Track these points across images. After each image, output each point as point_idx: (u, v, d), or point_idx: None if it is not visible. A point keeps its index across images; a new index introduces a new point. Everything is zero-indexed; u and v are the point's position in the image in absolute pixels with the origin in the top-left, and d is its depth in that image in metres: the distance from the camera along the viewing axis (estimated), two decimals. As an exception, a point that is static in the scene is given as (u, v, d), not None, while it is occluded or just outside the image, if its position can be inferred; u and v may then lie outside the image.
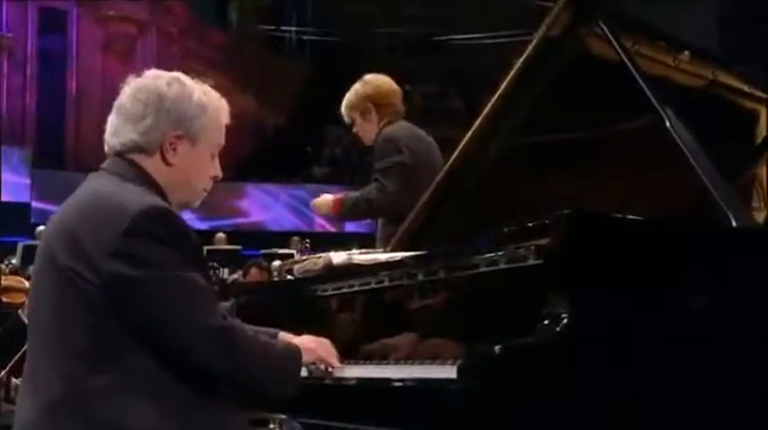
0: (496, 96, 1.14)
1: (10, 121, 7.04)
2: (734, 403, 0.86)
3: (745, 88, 1.25)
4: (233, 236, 5.89)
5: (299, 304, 1.16)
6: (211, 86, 0.91)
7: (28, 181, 7.00)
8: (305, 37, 9.11)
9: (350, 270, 1.09)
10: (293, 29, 9.12)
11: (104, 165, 0.89)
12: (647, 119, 1.03)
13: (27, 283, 2.54)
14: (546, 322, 0.78)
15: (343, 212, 1.61)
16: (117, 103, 0.89)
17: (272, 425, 1.67)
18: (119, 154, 0.88)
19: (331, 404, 0.95)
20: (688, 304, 0.85)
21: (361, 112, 1.64)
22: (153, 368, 0.80)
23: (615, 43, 1.05)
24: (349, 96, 1.65)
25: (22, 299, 2.42)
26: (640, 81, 1.02)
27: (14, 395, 1.93)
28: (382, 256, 1.11)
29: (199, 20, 8.44)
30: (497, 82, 1.14)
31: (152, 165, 0.88)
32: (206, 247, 4.41)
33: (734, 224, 0.93)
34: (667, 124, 1.00)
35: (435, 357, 0.89)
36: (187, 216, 0.91)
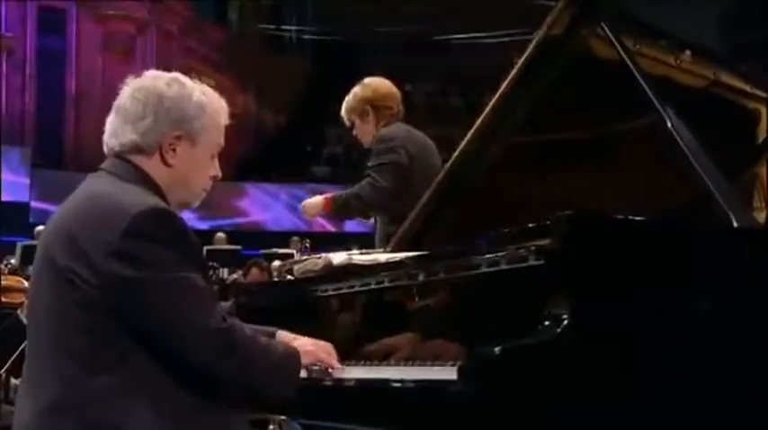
0: (497, 96, 1.14)
1: (9, 121, 7.03)
2: (735, 403, 0.85)
3: (747, 88, 1.25)
4: (233, 235, 5.90)
5: (300, 304, 1.15)
6: (212, 86, 0.91)
7: (27, 181, 7.00)
8: (305, 36, 9.11)
9: (350, 270, 1.09)
10: (293, 28, 9.12)
11: (103, 165, 0.89)
12: (649, 119, 1.02)
13: (26, 283, 2.54)
14: (546, 323, 0.78)
15: (335, 209, 1.60)
16: (116, 103, 0.89)
17: (271, 426, 1.67)
18: (118, 154, 0.88)
19: (331, 405, 0.95)
20: (689, 304, 0.85)
21: (360, 115, 1.66)
22: (152, 369, 0.80)
23: (616, 43, 1.05)
24: (348, 99, 1.67)
25: (20, 299, 2.42)
26: (641, 81, 1.02)
27: (13, 396, 1.93)
28: (382, 257, 1.10)
29: (199, 19, 8.43)
30: (498, 81, 1.14)
31: (151, 165, 0.87)
32: (206, 247, 4.42)
33: (735, 224, 0.93)
34: (668, 124, 1.00)
35: (435, 358, 0.89)
36: (187, 216, 0.90)
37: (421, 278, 0.96)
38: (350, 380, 0.92)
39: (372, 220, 1.70)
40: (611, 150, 1.16)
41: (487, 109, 1.15)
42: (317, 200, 1.65)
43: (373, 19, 8.23)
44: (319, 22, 8.95)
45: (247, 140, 8.01)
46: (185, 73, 0.91)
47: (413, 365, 0.90)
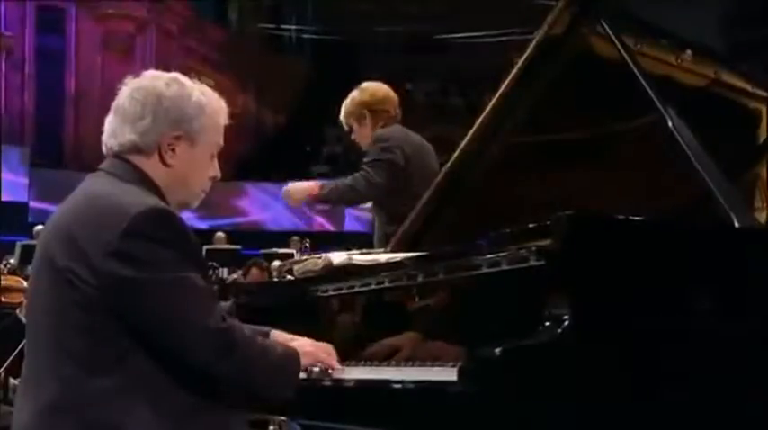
0: (498, 95, 1.13)
1: (8, 120, 7.02)
2: (735, 404, 0.85)
3: (748, 87, 1.25)
4: (232, 235, 5.89)
5: (299, 305, 1.15)
6: (211, 86, 0.91)
7: (26, 180, 6.99)
8: (305, 35, 9.10)
9: (350, 271, 1.08)
10: (293, 27, 9.11)
11: (102, 165, 0.89)
12: (649, 118, 1.02)
13: (25, 283, 2.54)
14: (547, 324, 0.78)
15: (323, 194, 1.59)
16: (115, 103, 0.88)
17: (271, 427, 1.67)
18: (117, 155, 0.88)
19: (330, 406, 0.95)
20: (690, 305, 0.85)
21: (357, 118, 1.67)
22: (151, 369, 0.80)
23: (617, 42, 1.05)
24: (346, 103, 1.69)
25: (20, 299, 2.41)
26: (642, 80, 1.02)
27: (12, 396, 1.92)
28: (382, 257, 1.11)
29: (198, 18, 8.42)
30: (498, 81, 1.14)
31: (150, 165, 0.87)
32: (205, 247, 4.41)
33: (736, 225, 0.93)
34: (669, 124, 0.99)
35: (435, 359, 0.88)
36: (186, 215, 0.90)
37: (421, 278, 0.96)
38: (350, 380, 0.91)
39: (371, 216, 1.71)
40: (612, 150, 1.16)
41: (488, 109, 1.15)
42: (303, 184, 1.64)
43: (373, 18, 8.22)
44: (319, 22, 8.95)
45: (247, 140, 8.00)
46: (185, 72, 0.91)
47: (413, 366, 0.89)
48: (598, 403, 0.78)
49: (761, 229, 1.05)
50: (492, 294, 0.88)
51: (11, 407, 1.57)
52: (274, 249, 4.79)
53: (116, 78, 0.92)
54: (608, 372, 0.79)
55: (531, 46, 1.10)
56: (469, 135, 1.16)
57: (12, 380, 2.00)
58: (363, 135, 1.67)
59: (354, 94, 1.69)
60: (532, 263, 0.82)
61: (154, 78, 0.88)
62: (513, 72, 1.12)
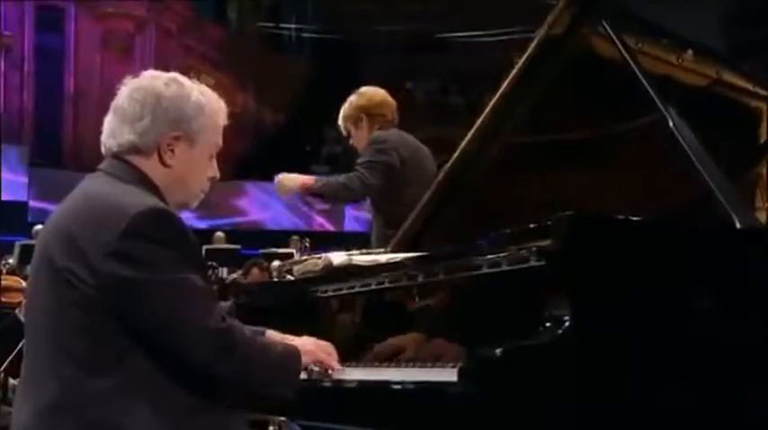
0: (498, 95, 1.13)
1: (7, 119, 7.00)
2: (736, 404, 0.85)
3: (749, 87, 1.24)
4: (232, 235, 5.89)
5: (299, 305, 1.15)
6: (211, 85, 0.91)
7: (25, 179, 6.97)
8: (304, 35, 9.08)
9: (350, 271, 1.08)
10: (293, 26, 9.09)
11: (101, 166, 0.88)
12: (650, 118, 1.02)
13: (24, 283, 2.53)
14: (547, 324, 0.77)
15: (315, 188, 1.59)
16: (114, 103, 0.88)
17: (271, 428, 1.67)
18: (116, 155, 0.87)
19: (330, 406, 0.95)
20: (690, 305, 0.84)
21: (354, 122, 1.69)
22: (151, 370, 0.80)
23: (618, 41, 1.04)
24: (344, 108, 1.71)
25: (19, 298, 2.41)
26: (643, 80, 1.01)
27: (11, 396, 1.92)
28: (382, 257, 1.10)
29: (198, 17, 8.40)
30: (499, 80, 1.14)
31: (149, 166, 0.87)
32: (205, 246, 4.42)
33: (738, 225, 0.92)
34: (670, 123, 0.99)
35: (436, 359, 0.88)
36: (185, 215, 0.90)
37: (421, 279, 0.96)
38: (350, 381, 0.91)
39: (371, 216, 1.72)
40: (613, 150, 1.16)
41: (488, 108, 1.15)
42: (295, 176, 1.64)
43: (373, 17, 8.21)
44: (319, 21, 8.93)
45: (246, 139, 7.98)
46: (184, 71, 0.91)
47: (413, 366, 0.89)
48: (598, 403, 0.78)
49: (761, 229, 1.05)
50: (492, 295, 0.88)
51: (10, 407, 1.57)
52: (274, 249, 4.78)
53: (115, 77, 0.92)
54: (608, 373, 0.79)
55: (532, 46, 1.10)
56: (470, 135, 1.16)
57: (11, 381, 2.00)
58: (360, 138, 1.69)
59: (352, 98, 1.71)
60: (533, 263, 0.82)
61: (153, 78, 0.88)
62: (514, 72, 1.12)
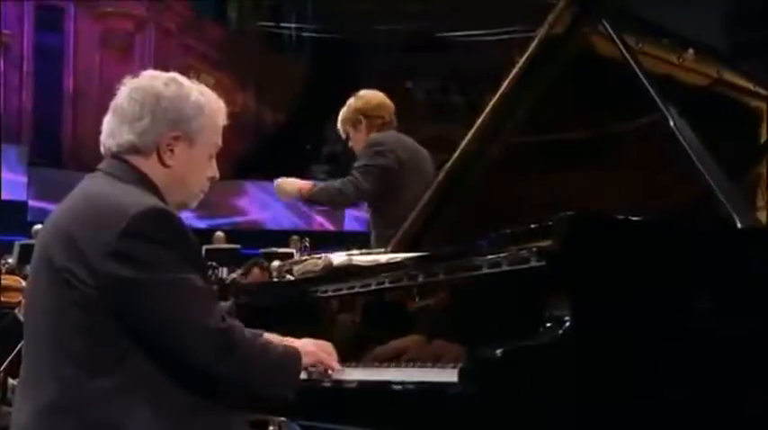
0: (498, 95, 1.13)
1: (6, 119, 6.99)
2: (737, 404, 0.85)
3: (750, 86, 1.24)
4: (232, 234, 5.88)
5: (299, 305, 1.15)
6: (211, 84, 0.90)
7: (24, 179, 6.96)
8: (305, 34, 9.07)
9: (350, 271, 1.08)
10: (293, 26, 9.08)
11: (100, 166, 0.88)
12: (651, 118, 1.02)
13: (24, 283, 2.53)
14: (548, 325, 0.77)
15: (312, 194, 1.64)
16: (113, 103, 0.88)
17: (271, 428, 1.67)
18: (115, 155, 0.87)
19: (330, 407, 0.95)
20: (691, 305, 0.84)
21: (353, 124, 1.71)
22: (151, 369, 0.79)
23: (618, 41, 1.04)
24: (342, 111, 1.73)
25: (18, 298, 2.41)
26: (644, 80, 1.01)
27: (11, 396, 1.92)
28: (383, 258, 1.10)
29: (197, 17, 8.39)
30: (499, 80, 1.13)
31: (149, 166, 0.87)
32: (204, 246, 4.41)
33: (739, 225, 0.92)
34: (671, 123, 0.99)
35: (436, 360, 0.88)
36: (185, 214, 0.90)
37: (421, 279, 0.96)
38: (350, 381, 0.91)
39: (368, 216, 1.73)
40: (613, 150, 1.16)
41: (488, 108, 1.14)
42: (294, 181, 1.68)
43: (373, 17, 8.20)
44: (319, 20, 8.92)
45: (246, 139, 7.98)
46: (184, 71, 0.91)
47: (413, 367, 0.89)
48: (599, 404, 0.78)
49: (762, 229, 1.05)
50: (492, 295, 0.88)
51: (10, 407, 1.57)
52: (274, 248, 4.78)
53: (115, 77, 0.92)
54: (609, 373, 0.79)
55: (532, 45, 1.10)
56: (470, 134, 1.16)
57: (11, 381, 2.00)
58: (359, 141, 1.70)
59: (350, 101, 1.73)
60: (533, 263, 0.82)
61: (152, 78, 0.88)
62: (514, 71, 1.11)
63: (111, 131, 0.87)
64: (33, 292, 0.86)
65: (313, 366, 0.91)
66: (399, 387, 0.85)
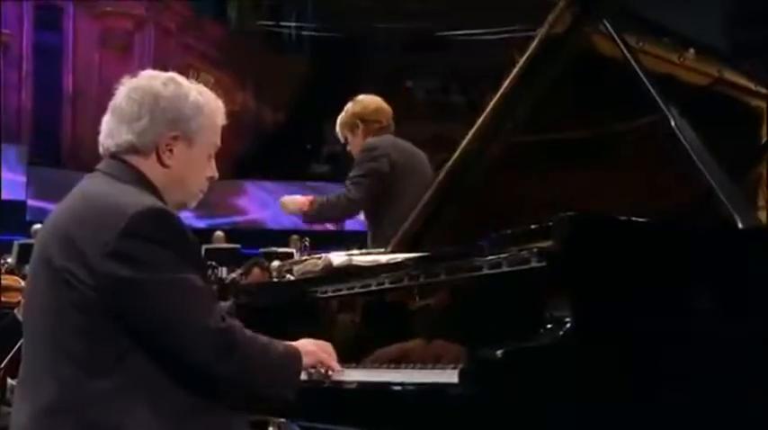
0: (499, 94, 1.13)
1: (6, 119, 6.98)
2: (739, 405, 0.85)
3: (752, 86, 1.24)
4: (231, 234, 5.88)
5: (299, 306, 1.15)
6: (210, 83, 0.90)
7: (24, 179, 6.95)
8: (304, 33, 9.07)
9: (350, 271, 1.08)
10: (293, 24, 9.07)
11: (99, 166, 0.88)
12: (652, 117, 1.01)
13: (23, 283, 2.53)
14: (549, 326, 0.77)
15: (310, 214, 1.71)
16: (112, 103, 0.88)
17: (271, 428, 1.67)
18: (114, 155, 0.87)
19: (330, 407, 0.94)
20: (692, 306, 0.84)
21: (350, 129, 1.75)
22: (151, 370, 0.79)
23: (619, 40, 1.04)
24: (341, 115, 1.78)
25: (18, 298, 2.41)
26: (644, 79, 1.01)
27: (10, 396, 1.92)
28: (383, 258, 1.10)
29: (197, 16, 8.38)
30: (499, 79, 1.13)
31: (148, 166, 0.86)
32: (204, 246, 4.39)
33: (740, 225, 0.92)
34: (672, 123, 0.98)
35: (436, 361, 0.88)
36: (185, 214, 0.90)
37: (422, 279, 0.96)
38: (350, 382, 0.91)
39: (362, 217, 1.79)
40: (614, 150, 1.15)
41: (488, 108, 1.14)
42: (297, 198, 1.75)
43: (373, 16, 8.19)
44: (319, 19, 8.91)
45: (246, 138, 7.97)
46: (184, 70, 0.91)
47: (414, 368, 0.89)
48: (600, 405, 0.78)
49: (763, 229, 1.04)
50: (493, 296, 0.87)
51: (9, 407, 1.56)
52: (274, 248, 4.78)
53: (114, 76, 0.92)
54: (610, 374, 0.79)
55: (533, 45, 1.09)
56: (470, 134, 1.16)
57: (9, 381, 2.00)
58: (357, 145, 1.75)
59: (348, 106, 1.76)
60: (534, 264, 0.82)
61: (151, 78, 0.87)
62: (515, 71, 1.11)
63: (110, 131, 0.87)
64: (32, 292, 0.86)
65: (313, 367, 0.91)
66: (399, 388, 0.85)
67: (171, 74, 0.88)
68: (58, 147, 7.54)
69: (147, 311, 0.79)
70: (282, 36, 9.15)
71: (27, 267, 1.07)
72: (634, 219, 0.85)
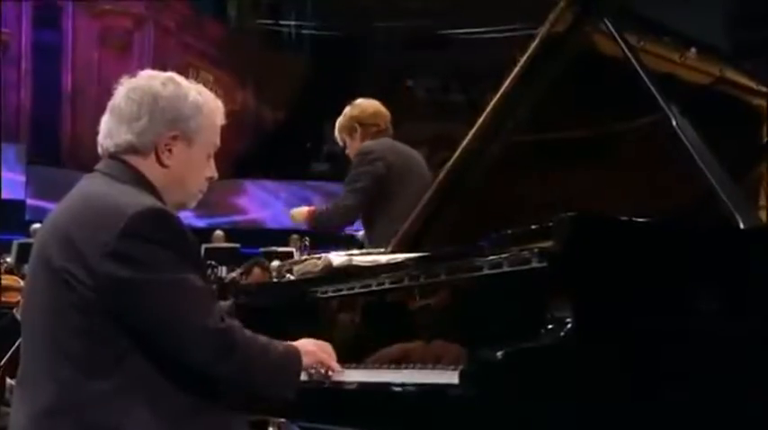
0: (499, 94, 1.13)
1: (5, 118, 6.96)
2: (740, 406, 0.85)
3: (753, 85, 1.24)
4: (231, 233, 5.87)
5: (299, 306, 1.14)
6: (211, 83, 0.89)
7: (23, 178, 6.94)
8: (304, 32, 9.05)
9: (350, 272, 1.08)
10: (292, 23, 9.06)
11: (98, 166, 0.88)
12: (653, 117, 1.01)
13: (22, 283, 2.52)
14: (550, 326, 0.77)
15: (313, 224, 1.78)
16: (111, 103, 0.87)
17: (270, 428, 1.67)
18: (113, 155, 0.87)
19: (330, 408, 0.94)
20: (694, 307, 0.84)
21: (348, 132, 1.79)
22: (150, 370, 0.79)
23: (620, 40, 1.03)
24: (339, 119, 1.86)
25: (17, 298, 2.41)
26: (645, 78, 1.01)
27: (9, 396, 1.92)
28: (383, 258, 1.10)
29: (197, 14, 8.36)
30: (500, 78, 1.13)
31: (147, 166, 0.86)
32: (204, 245, 4.40)
33: (741, 225, 0.92)
34: (673, 122, 0.98)
35: (437, 361, 0.88)
36: (184, 214, 0.89)
37: (422, 280, 0.96)
38: (350, 383, 0.91)
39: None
40: (615, 149, 1.15)
41: (489, 107, 1.14)
42: (303, 209, 1.82)
43: (373, 14, 8.18)
44: (319, 18, 8.89)
45: (246, 137, 7.96)
46: (183, 69, 0.90)
47: (414, 369, 0.89)
48: (601, 406, 0.78)
49: (763, 229, 1.04)
50: (493, 296, 0.87)
51: (8, 407, 1.56)
52: (274, 248, 4.78)
53: (113, 75, 0.91)
54: (611, 375, 0.78)
55: (534, 44, 1.09)
56: (471, 134, 1.16)
57: (9, 381, 1.99)
58: (354, 148, 1.82)
59: (346, 110, 1.79)
60: (534, 264, 0.82)
61: (150, 78, 0.87)
62: (515, 70, 1.11)
63: (109, 131, 0.87)
64: (31, 292, 0.85)
65: (313, 367, 0.91)
66: (399, 388, 0.85)
67: (170, 74, 0.88)
68: (57, 146, 7.52)
69: (146, 311, 0.79)
70: (282, 35, 9.13)
71: (26, 267, 1.07)
72: (635, 219, 0.85)
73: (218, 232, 5.65)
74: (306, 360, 0.88)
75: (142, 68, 0.90)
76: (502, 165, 1.17)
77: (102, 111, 0.88)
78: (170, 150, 0.86)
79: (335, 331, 1.06)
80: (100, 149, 0.88)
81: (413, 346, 0.94)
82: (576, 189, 1.12)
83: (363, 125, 1.75)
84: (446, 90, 8.84)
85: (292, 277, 1.24)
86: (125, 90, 0.87)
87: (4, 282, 2.85)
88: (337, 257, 1.11)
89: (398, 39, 8.37)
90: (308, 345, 0.90)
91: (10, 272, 3.59)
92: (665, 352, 0.81)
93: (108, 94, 0.87)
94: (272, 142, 8.43)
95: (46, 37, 7.48)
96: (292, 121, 8.72)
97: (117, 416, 0.77)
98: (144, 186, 0.85)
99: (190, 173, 0.88)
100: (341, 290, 1.07)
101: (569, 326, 0.76)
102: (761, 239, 0.94)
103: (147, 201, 0.82)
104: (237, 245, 5.15)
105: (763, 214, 1.24)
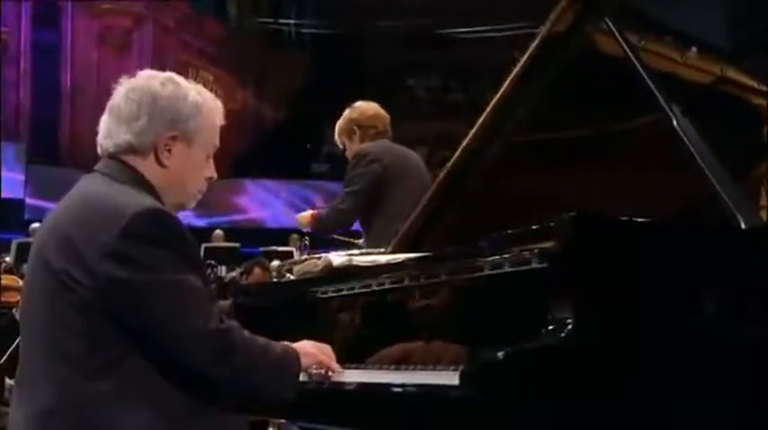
0: (500, 93, 1.12)
1: (4, 117, 6.95)
2: (741, 406, 0.84)
3: (755, 84, 1.23)
4: (231, 233, 5.86)
5: (299, 306, 1.14)
6: (210, 82, 0.89)
7: (22, 177, 6.94)
8: (304, 30, 9.03)
9: (350, 271, 1.07)
10: (292, 22, 9.04)
11: (97, 166, 0.88)
12: (654, 116, 1.01)
13: (21, 282, 2.52)
14: (550, 327, 0.77)
15: (315, 229, 1.82)
16: (110, 103, 0.87)
17: (270, 429, 1.67)
18: (112, 155, 0.87)
19: (330, 408, 0.94)
20: (695, 307, 0.84)
21: (347, 135, 1.83)
22: (149, 372, 0.79)
23: (621, 39, 1.03)
24: (338, 122, 1.88)
25: (16, 298, 2.41)
26: (646, 78, 1.00)
27: (8, 396, 1.92)
28: (383, 258, 1.10)
29: (196, 13, 8.35)
30: (500, 77, 1.12)
31: (146, 166, 0.86)
32: (204, 245, 4.40)
33: (743, 226, 0.91)
34: (674, 122, 0.98)
35: (437, 362, 0.87)
36: (184, 213, 0.89)
37: (422, 280, 0.95)
38: (350, 383, 0.91)
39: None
40: (616, 149, 1.15)
41: (489, 107, 1.14)
42: (307, 214, 1.85)
43: (373, 13, 8.16)
44: (319, 17, 8.87)
45: (246, 136, 7.95)
46: (183, 68, 0.90)
47: (414, 369, 0.88)
48: (601, 406, 0.78)
49: (764, 229, 1.04)
50: (494, 296, 0.87)
51: (8, 407, 1.56)
52: (273, 247, 4.77)
53: (113, 74, 0.91)
54: (612, 375, 0.78)
55: (534, 43, 1.09)
56: (471, 133, 1.15)
57: (8, 381, 1.99)
58: (353, 151, 1.84)
59: (346, 112, 1.81)
60: (535, 265, 0.81)
61: (149, 78, 0.87)
62: (516, 70, 1.10)
63: (109, 131, 0.86)
64: (30, 292, 0.85)
65: (313, 368, 0.90)
66: (400, 389, 0.84)
67: (169, 74, 0.88)
68: (56, 145, 7.51)
69: (144, 312, 0.79)
70: (282, 33, 9.11)
71: (25, 266, 1.06)
72: (636, 219, 0.84)
73: (218, 231, 5.65)
74: (305, 361, 0.88)
75: (141, 68, 0.90)
76: (502, 164, 1.17)
77: (101, 110, 0.88)
78: (169, 150, 0.86)
79: (335, 331, 1.06)
80: (99, 149, 0.88)
81: (413, 347, 0.94)
82: (577, 189, 1.12)
83: (362, 127, 1.76)
84: (446, 89, 8.82)
85: (292, 277, 1.23)
86: (124, 90, 0.86)
87: (3, 281, 2.85)
88: (337, 257, 1.10)
89: (399, 37, 8.35)
90: (307, 347, 0.90)
91: (9, 271, 3.59)
92: (665, 352, 0.80)
93: (107, 92, 0.87)
94: (272, 141, 8.42)
95: (45, 36, 7.46)
96: (292, 121, 8.70)
97: (115, 418, 0.77)
98: (143, 187, 0.85)
99: (189, 173, 0.88)
100: (341, 290, 1.07)
101: (570, 326, 0.76)
102: (762, 239, 0.94)
103: (147, 201, 0.82)
104: (237, 244, 5.16)
105: (763, 214, 1.23)
